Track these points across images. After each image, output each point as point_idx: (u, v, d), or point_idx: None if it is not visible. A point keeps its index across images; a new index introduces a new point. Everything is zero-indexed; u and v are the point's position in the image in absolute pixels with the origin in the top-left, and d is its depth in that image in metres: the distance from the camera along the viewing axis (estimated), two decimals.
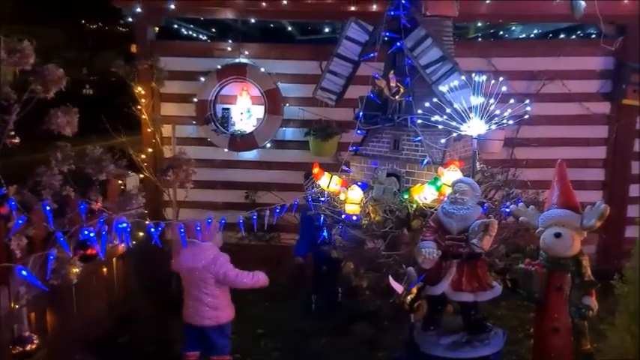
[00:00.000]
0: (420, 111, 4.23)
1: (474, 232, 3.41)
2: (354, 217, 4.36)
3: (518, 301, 5.00)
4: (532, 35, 8.11)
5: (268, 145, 6.79)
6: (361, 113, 4.61)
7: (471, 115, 3.86)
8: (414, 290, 3.53)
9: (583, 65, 6.51)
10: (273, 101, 6.64)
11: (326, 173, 4.73)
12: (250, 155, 6.86)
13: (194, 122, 6.75)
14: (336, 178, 4.71)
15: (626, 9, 6.15)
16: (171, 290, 6.09)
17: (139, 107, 6.52)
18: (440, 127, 4.11)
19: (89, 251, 4.66)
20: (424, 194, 4.17)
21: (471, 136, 3.94)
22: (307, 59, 6.62)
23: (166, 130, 6.73)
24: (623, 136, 6.48)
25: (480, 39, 8.10)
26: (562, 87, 6.41)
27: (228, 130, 6.72)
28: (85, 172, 4.08)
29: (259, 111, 6.75)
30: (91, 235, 3.16)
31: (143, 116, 6.55)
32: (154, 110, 6.68)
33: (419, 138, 4.32)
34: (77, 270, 3.98)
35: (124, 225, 3.37)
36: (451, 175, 4.18)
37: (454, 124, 3.94)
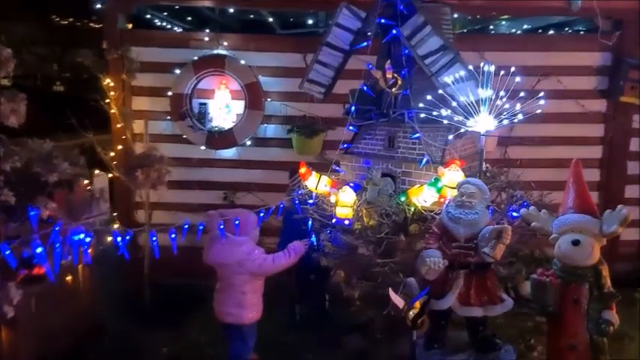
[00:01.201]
0: (421, 104, 3.85)
1: (484, 240, 3.05)
2: (346, 222, 3.97)
3: (514, 308, 4.71)
4: (519, 32, 7.82)
5: (248, 142, 6.36)
6: (353, 107, 4.21)
7: (479, 109, 3.50)
8: (417, 304, 3.16)
9: (578, 61, 6.23)
10: (253, 96, 6.20)
11: (314, 173, 4.34)
12: (229, 153, 6.42)
13: (168, 118, 6.28)
14: (325, 178, 4.32)
15: (624, 3, 5.89)
16: (144, 303, 5.76)
17: (107, 101, 6.02)
18: (444, 122, 3.74)
19: (35, 271, 4.02)
20: (423, 196, 3.80)
21: (477, 132, 3.57)
22: (290, 51, 6.20)
23: (138, 125, 6.25)
24: (620, 134, 6.22)
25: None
26: (557, 83, 6.11)
27: (205, 127, 6.27)
28: (32, 173, 3.52)
29: (239, 106, 6.30)
30: (39, 250, 2.66)
31: (112, 110, 6.05)
32: (125, 104, 6.19)
33: (417, 135, 3.95)
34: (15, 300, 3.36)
35: (82, 236, 2.89)
36: (452, 175, 3.83)
37: (459, 119, 3.57)
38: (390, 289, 3.25)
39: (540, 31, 7.65)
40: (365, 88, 4.21)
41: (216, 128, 6.27)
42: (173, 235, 3.35)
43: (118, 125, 6.11)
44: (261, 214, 3.84)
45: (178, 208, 6.44)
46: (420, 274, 3.62)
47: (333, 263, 4.14)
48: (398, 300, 3.20)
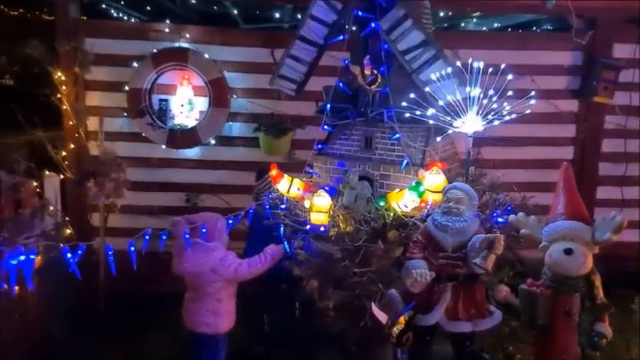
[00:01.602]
0: (404, 103, 3.60)
1: (474, 250, 2.83)
2: (322, 228, 3.70)
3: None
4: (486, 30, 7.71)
5: (213, 141, 6.01)
6: (328, 105, 3.94)
7: (466, 109, 3.28)
8: (402, 320, 2.91)
9: (551, 60, 6.14)
10: (218, 92, 5.86)
11: (286, 176, 4.05)
12: (192, 153, 6.06)
13: (125, 114, 5.87)
14: (297, 181, 4.05)
15: (598, 2, 5.81)
16: (99, 313, 5.38)
17: (58, 96, 5.58)
18: (427, 122, 3.50)
19: None
20: (404, 201, 3.57)
21: (465, 133, 3.35)
22: (257, 46, 5.89)
23: (92, 123, 5.82)
24: (592, 135, 6.16)
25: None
26: (531, 82, 5.98)
27: (166, 125, 5.89)
28: None
29: (202, 103, 5.96)
30: None
31: (64, 106, 5.60)
32: (78, 99, 5.75)
33: (397, 136, 3.70)
34: None
35: (22, 258, 2.51)
36: (434, 178, 3.61)
37: (445, 119, 3.35)
38: (372, 303, 3.00)
39: (509, 29, 7.55)
40: (341, 85, 3.94)
41: (178, 126, 5.90)
42: (132, 248, 2.99)
43: (71, 122, 5.67)
44: (230, 221, 3.51)
45: (137, 211, 6.07)
46: (403, 286, 3.40)
47: (306, 272, 3.86)
48: (381, 315, 2.95)
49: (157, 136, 5.85)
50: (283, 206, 3.97)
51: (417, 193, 3.53)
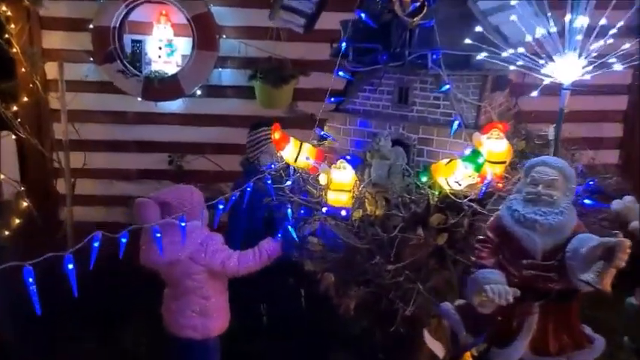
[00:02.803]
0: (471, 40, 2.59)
1: (580, 259, 1.91)
2: (343, 212, 2.77)
3: None
4: None
5: (199, 92, 5.00)
6: (346, 45, 2.93)
7: (559, 50, 2.28)
8: (468, 356, 2.03)
9: None
10: (204, 31, 4.79)
11: (292, 139, 3.09)
12: (174, 106, 5.06)
13: (91, 59, 4.82)
14: (307, 147, 3.08)
15: None
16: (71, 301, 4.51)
17: (6, 37, 4.52)
18: (483, 67, 2.52)
19: None
20: (456, 176, 2.63)
21: (560, 84, 2.37)
22: None
23: (51, 70, 4.78)
24: None
25: None
26: None
27: (141, 72, 4.87)
28: None
29: (185, 45, 4.91)
30: None
31: (14, 50, 4.54)
32: (32, 41, 4.70)
33: (446, 87, 2.72)
34: None
35: None
36: (494, 145, 2.67)
37: (533, 63, 2.36)
38: (425, 331, 2.11)
39: None
40: (364, 16, 2.91)
41: (156, 74, 4.87)
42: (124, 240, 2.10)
43: (23, 70, 4.63)
44: (221, 206, 2.57)
45: (111, 176, 5.14)
46: (451, 292, 2.54)
47: (321, 267, 2.96)
48: (435, 346, 2.07)
49: (131, 85, 4.82)
50: (289, 181, 3.01)
51: (475, 165, 2.59)
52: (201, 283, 3.09)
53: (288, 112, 4.99)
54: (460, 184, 2.65)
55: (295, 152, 3.08)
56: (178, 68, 4.90)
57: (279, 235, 3.12)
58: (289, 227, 2.96)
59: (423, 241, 2.77)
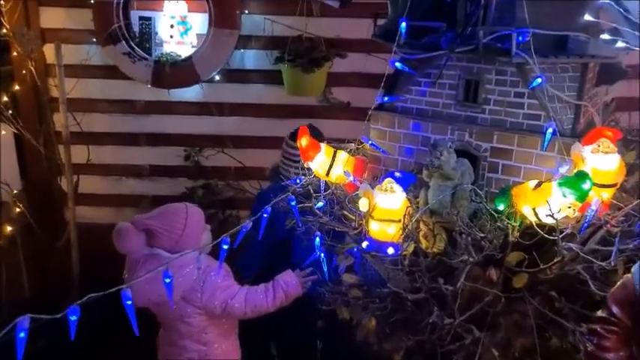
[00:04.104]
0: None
1: None
2: (390, 250, 2.07)
3: None
4: None
5: (217, 77, 4.33)
6: (403, 24, 2.19)
7: None
8: None
9: None
10: (223, 6, 4.11)
11: (324, 147, 2.39)
12: (189, 94, 4.41)
13: (94, 40, 4.19)
14: (344, 156, 2.39)
15: None
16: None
17: None
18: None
19: None
20: (551, 207, 1.89)
21: None
22: None
23: (49, 52, 4.19)
24: None
25: None
26: None
27: (151, 55, 4.23)
28: None
29: (201, 22, 4.25)
30: None
31: (3, 30, 3.95)
32: (28, 21, 4.10)
33: (538, 81, 1.96)
34: None
35: None
36: (601, 161, 1.94)
37: None
38: None
39: None
40: None
41: (168, 57, 4.23)
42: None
43: (15, 53, 4.04)
44: (225, 246, 1.88)
45: (119, 172, 4.58)
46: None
47: (359, 316, 2.29)
48: None
49: (138, 70, 4.19)
50: (320, 203, 2.32)
51: (578, 191, 1.84)
52: (198, 327, 2.54)
53: (321, 100, 4.31)
54: (553, 214, 1.91)
55: (327, 163, 2.39)
56: (193, 50, 4.25)
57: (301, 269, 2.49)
58: (319, 260, 2.27)
59: (494, 286, 2.08)
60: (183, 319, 2.52)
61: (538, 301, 2.07)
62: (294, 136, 3.07)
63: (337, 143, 2.56)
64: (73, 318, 1.38)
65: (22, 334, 1.25)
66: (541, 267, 1.96)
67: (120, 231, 2.40)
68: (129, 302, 1.47)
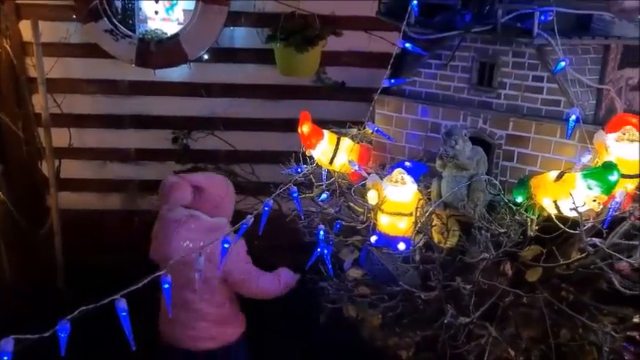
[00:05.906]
0: None
1: None
2: (401, 245, 1.95)
3: None
4: None
5: (205, 56, 4.11)
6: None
7: None
8: None
9: None
10: None
11: (326, 133, 2.25)
12: (176, 74, 4.18)
13: (74, 17, 3.95)
14: (347, 143, 2.25)
15: None
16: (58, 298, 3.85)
17: None
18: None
19: None
20: (575, 199, 1.77)
21: None
22: None
23: (25, 29, 3.94)
24: None
25: None
26: None
27: (134, 32, 3.99)
28: None
29: None
30: None
31: None
32: None
33: (561, 64, 1.82)
34: None
35: None
36: (626, 149, 1.82)
37: None
38: None
39: None
40: None
41: (153, 34, 4.00)
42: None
43: None
44: (225, 245, 1.74)
45: (104, 156, 4.39)
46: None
47: (366, 315, 2.18)
48: None
49: (122, 49, 3.96)
50: (324, 195, 2.18)
51: (605, 184, 1.72)
52: (216, 287, 2.66)
53: (314, 80, 4.13)
54: (577, 208, 1.79)
55: (331, 151, 2.25)
56: (180, 27, 4.02)
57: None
58: (323, 255, 2.13)
59: (510, 281, 1.98)
60: (210, 279, 2.57)
61: (550, 294, 1.98)
62: None
63: (337, 128, 2.41)
64: (63, 335, 1.24)
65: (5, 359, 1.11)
66: (561, 262, 1.86)
67: (173, 182, 2.57)
68: (124, 314, 1.32)
